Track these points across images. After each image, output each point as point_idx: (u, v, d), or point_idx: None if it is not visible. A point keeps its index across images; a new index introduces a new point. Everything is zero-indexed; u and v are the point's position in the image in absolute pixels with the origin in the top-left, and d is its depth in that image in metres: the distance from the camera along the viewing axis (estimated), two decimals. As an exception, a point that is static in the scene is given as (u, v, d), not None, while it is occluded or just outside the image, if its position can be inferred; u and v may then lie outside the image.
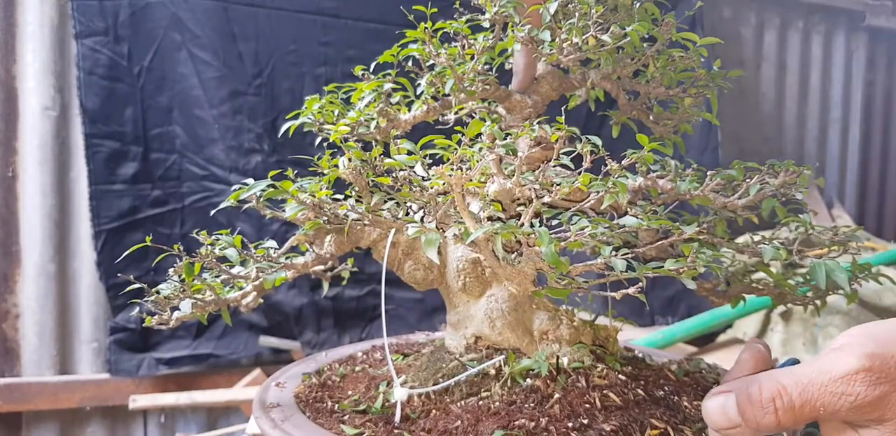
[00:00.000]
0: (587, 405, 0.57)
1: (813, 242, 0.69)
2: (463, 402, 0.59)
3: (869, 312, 2.19)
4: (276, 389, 0.71)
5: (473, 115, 0.81)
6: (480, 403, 0.58)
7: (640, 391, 0.61)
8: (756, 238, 0.71)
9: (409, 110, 0.75)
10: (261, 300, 0.68)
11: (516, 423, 0.54)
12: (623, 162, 0.58)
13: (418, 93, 0.75)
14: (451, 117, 0.80)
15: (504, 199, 0.61)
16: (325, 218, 0.63)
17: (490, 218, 0.60)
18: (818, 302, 0.67)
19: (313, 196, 0.61)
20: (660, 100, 0.77)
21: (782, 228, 0.70)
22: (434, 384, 0.62)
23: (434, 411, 0.59)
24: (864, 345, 0.46)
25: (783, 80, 3.17)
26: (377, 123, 0.72)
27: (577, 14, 0.64)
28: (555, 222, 0.60)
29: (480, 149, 0.58)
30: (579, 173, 0.56)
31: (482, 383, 0.62)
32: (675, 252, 0.65)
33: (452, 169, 0.51)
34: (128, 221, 1.98)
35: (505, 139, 0.58)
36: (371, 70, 0.74)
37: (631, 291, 0.53)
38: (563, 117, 0.59)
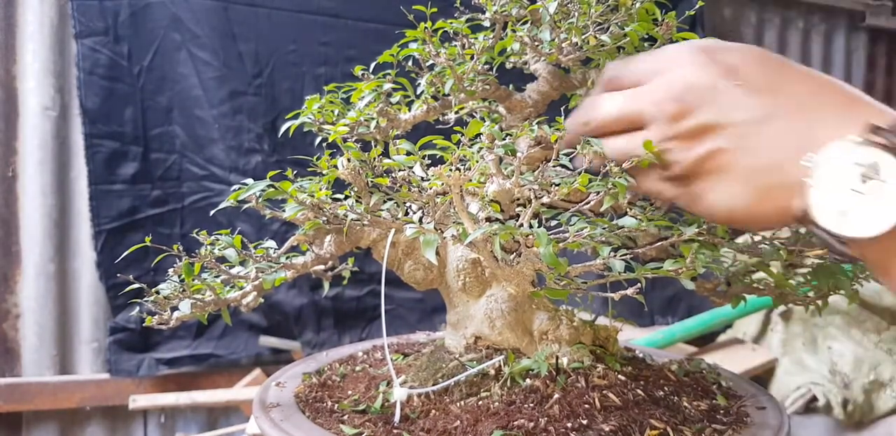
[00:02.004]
0: (586, 406, 0.57)
1: (813, 242, 0.69)
2: (462, 402, 0.59)
3: (869, 311, 2.19)
4: (276, 388, 0.71)
5: (474, 114, 0.81)
6: (480, 403, 0.58)
7: (639, 392, 0.60)
8: (756, 238, 0.71)
9: (409, 110, 0.75)
10: (261, 300, 0.68)
11: (515, 423, 0.54)
12: (625, 164, 0.58)
13: (418, 93, 0.75)
14: (452, 117, 0.80)
15: (503, 199, 0.61)
16: (325, 218, 0.63)
17: (489, 218, 0.60)
18: (819, 302, 0.67)
19: (312, 196, 0.61)
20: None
21: (783, 229, 0.70)
22: (434, 384, 0.62)
23: (433, 411, 0.59)
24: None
25: (783, 80, 3.17)
26: (377, 122, 0.72)
27: (576, 13, 0.64)
28: (554, 223, 0.60)
29: (479, 149, 0.58)
30: (579, 174, 0.56)
31: (482, 383, 0.62)
32: (676, 253, 0.65)
33: (451, 169, 0.51)
34: (128, 221, 1.98)
35: (504, 139, 0.58)
36: (371, 70, 0.74)
37: (629, 291, 0.53)
38: (563, 117, 0.59)
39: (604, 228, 0.54)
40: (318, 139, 0.76)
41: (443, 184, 0.54)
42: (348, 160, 0.61)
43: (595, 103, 0.57)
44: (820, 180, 0.44)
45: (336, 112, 0.74)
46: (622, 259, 0.52)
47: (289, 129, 0.75)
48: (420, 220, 0.59)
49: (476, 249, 0.54)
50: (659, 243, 0.58)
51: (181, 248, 0.60)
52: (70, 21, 1.93)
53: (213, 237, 0.63)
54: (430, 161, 0.60)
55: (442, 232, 0.57)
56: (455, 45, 0.70)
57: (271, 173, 0.62)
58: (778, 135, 0.47)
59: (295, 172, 0.62)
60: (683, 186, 0.53)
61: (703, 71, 0.51)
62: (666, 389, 0.64)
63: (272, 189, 0.61)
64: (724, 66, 0.50)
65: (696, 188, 0.52)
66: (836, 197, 0.44)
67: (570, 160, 0.60)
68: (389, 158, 0.60)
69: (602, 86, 0.59)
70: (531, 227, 0.54)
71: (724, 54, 0.51)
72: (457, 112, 0.79)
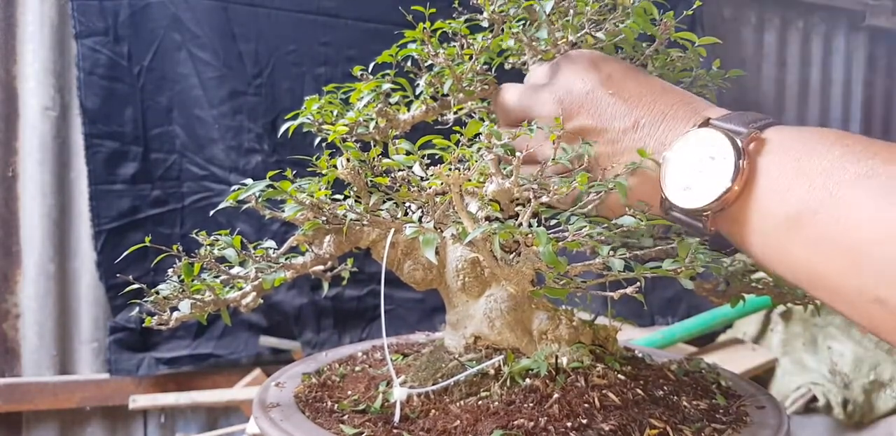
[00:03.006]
0: (586, 405, 0.57)
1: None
2: (462, 402, 0.59)
3: (869, 311, 2.18)
4: (276, 389, 0.71)
5: (472, 115, 0.81)
6: (479, 403, 0.58)
7: (639, 391, 0.60)
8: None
9: (408, 110, 0.75)
10: (260, 301, 0.68)
11: (515, 423, 0.54)
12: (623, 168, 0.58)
13: (417, 93, 0.75)
14: (451, 117, 0.80)
15: (502, 199, 0.61)
16: (325, 218, 0.63)
17: (488, 218, 0.60)
18: (817, 302, 0.68)
19: (312, 196, 0.61)
20: (659, 100, 0.76)
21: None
22: (433, 384, 0.62)
23: (433, 410, 0.59)
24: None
25: (783, 80, 3.17)
26: (376, 123, 0.72)
27: (572, 11, 0.64)
28: (553, 222, 0.60)
29: (479, 149, 0.58)
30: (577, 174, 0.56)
31: (481, 382, 0.62)
32: (675, 252, 0.65)
33: (450, 169, 0.51)
34: (128, 221, 1.98)
35: (503, 139, 0.58)
36: (370, 70, 0.74)
37: (629, 290, 0.53)
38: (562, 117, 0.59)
39: (603, 227, 0.54)
40: (318, 139, 0.76)
41: (442, 183, 0.54)
42: (348, 160, 0.61)
43: (502, 89, 0.68)
44: (671, 170, 0.53)
45: (335, 112, 0.74)
46: (622, 258, 0.52)
47: (288, 129, 0.75)
48: (419, 219, 0.60)
49: (476, 248, 0.54)
50: (658, 248, 0.58)
51: (181, 248, 0.60)
52: (70, 21, 1.93)
53: (212, 238, 0.63)
54: (429, 161, 0.60)
55: (442, 231, 0.57)
56: (454, 46, 0.70)
57: (271, 173, 0.62)
58: (642, 140, 0.56)
59: (295, 172, 0.62)
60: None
61: (583, 78, 0.60)
62: (665, 388, 0.64)
63: (272, 189, 0.61)
64: (602, 75, 0.60)
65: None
66: (682, 179, 0.52)
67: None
68: (389, 157, 0.60)
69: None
70: (531, 226, 0.54)
71: (603, 64, 0.61)
72: (456, 112, 0.79)
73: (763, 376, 2.16)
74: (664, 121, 0.56)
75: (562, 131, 0.55)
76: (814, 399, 2.04)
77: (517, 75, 0.79)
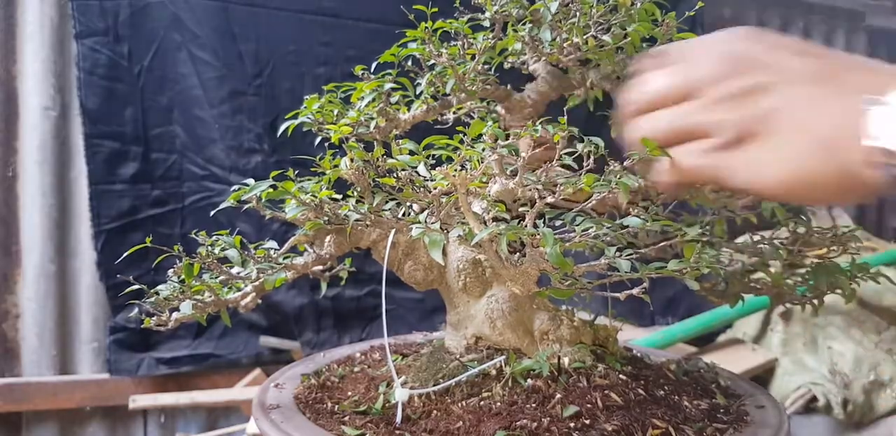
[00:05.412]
0: (589, 405, 0.57)
1: (813, 242, 0.69)
2: (464, 402, 0.59)
3: (869, 312, 2.19)
4: (276, 390, 0.71)
5: (472, 114, 0.81)
6: (482, 403, 0.58)
7: (640, 391, 0.60)
8: (756, 238, 0.71)
9: (409, 110, 0.75)
10: (258, 301, 0.68)
11: (518, 423, 0.54)
12: (626, 163, 0.58)
13: (418, 92, 0.75)
14: (451, 117, 0.80)
15: (506, 199, 0.61)
16: (326, 218, 0.63)
17: (495, 218, 0.60)
18: (815, 302, 0.68)
19: (315, 196, 0.61)
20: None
21: (782, 229, 0.70)
22: (434, 385, 0.62)
23: (435, 411, 0.59)
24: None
25: (783, 79, 3.16)
26: (376, 122, 0.72)
27: (577, 14, 0.64)
28: (558, 223, 0.60)
29: (483, 149, 0.58)
30: (582, 174, 0.55)
31: (483, 383, 0.62)
32: (673, 252, 0.65)
33: (456, 169, 0.51)
34: (128, 221, 1.98)
35: (507, 139, 0.58)
36: (371, 70, 0.74)
37: (635, 291, 0.53)
38: (566, 117, 0.59)
39: (609, 228, 0.54)
40: (318, 139, 0.76)
41: (448, 184, 0.54)
42: (351, 160, 0.61)
43: (643, 81, 0.56)
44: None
45: (336, 112, 0.74)
46: (627, 259, 0.52)
47: (288, 128, 0.75)
48: (424, 220, 0.59)
49: (481, 249, 0.54)
50: (662, 244, 0.58)
51: (181, 248, 0.60)
52: (70, 21, 1.92)
53: (212, 238, 0.63)
54: (433, 161, 0.60)
55: (447, 232, 0.57)
56: (455, 45, 0.70)
57: (274, 173, 0.62)
58: (832, 89, 0.46)
59: (296, 172, 0.62)
60: (729, 156, 0.50)
61: (750, 43, 0.52)
62: (666, 388, 0.64)
63: (275, 189, 0.61)
64: (769, 42, 0.52)
65: (745, 154, 0.49)
66: None
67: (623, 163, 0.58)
68: (392, 157, 0.60)
69: (645, 67, 0.57)
70: (536, 226, 0.54)
71: (766, 35, 0.54)
72: (455, 112, 0.79)
73: (763, 376, 2.16)
74: (853, 70, 0.47)
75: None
76: (814, 399, 2.04)
77: (517, 75, 0.78)
